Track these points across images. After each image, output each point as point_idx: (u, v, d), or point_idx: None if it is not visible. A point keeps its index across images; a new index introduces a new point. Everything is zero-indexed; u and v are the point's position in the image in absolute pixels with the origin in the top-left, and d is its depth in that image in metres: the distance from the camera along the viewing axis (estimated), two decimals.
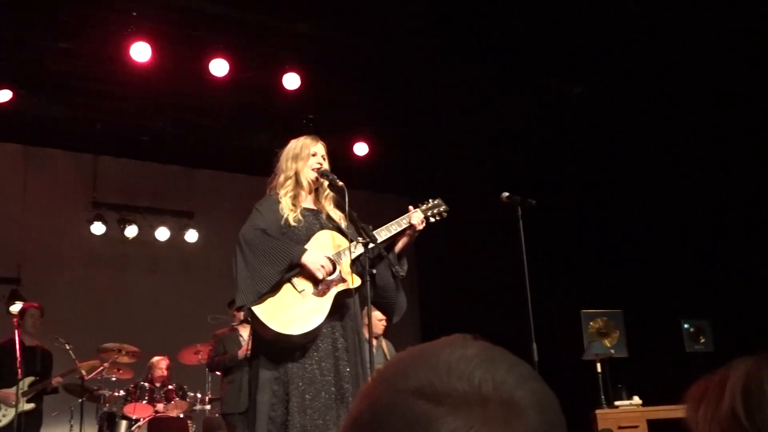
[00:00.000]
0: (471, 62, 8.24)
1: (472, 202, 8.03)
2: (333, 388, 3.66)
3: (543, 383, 0.75)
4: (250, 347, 6.69)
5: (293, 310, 3.68)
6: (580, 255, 8.59)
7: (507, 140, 9.58)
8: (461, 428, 0.68)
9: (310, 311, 3.70)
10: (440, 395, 0.70)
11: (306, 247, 3.81)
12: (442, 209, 4.17)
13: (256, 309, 3.66)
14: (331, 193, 4.07)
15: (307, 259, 3.73)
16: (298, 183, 4.00)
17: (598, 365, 6.81)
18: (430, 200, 4.20)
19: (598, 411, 6.51)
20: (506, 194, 4.70)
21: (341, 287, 3.79)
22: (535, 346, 4.34)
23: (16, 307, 8.71)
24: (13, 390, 7.02)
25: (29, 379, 7.13)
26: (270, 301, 3.69)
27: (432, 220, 4.12)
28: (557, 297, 8.00)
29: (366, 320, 3.89)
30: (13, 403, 6.98)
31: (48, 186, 9.89)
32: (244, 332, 7.20)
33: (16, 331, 7.05)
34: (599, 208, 8.47)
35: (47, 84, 8.49)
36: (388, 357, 6.92)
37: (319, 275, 3.72)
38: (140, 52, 7.58)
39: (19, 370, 6.92)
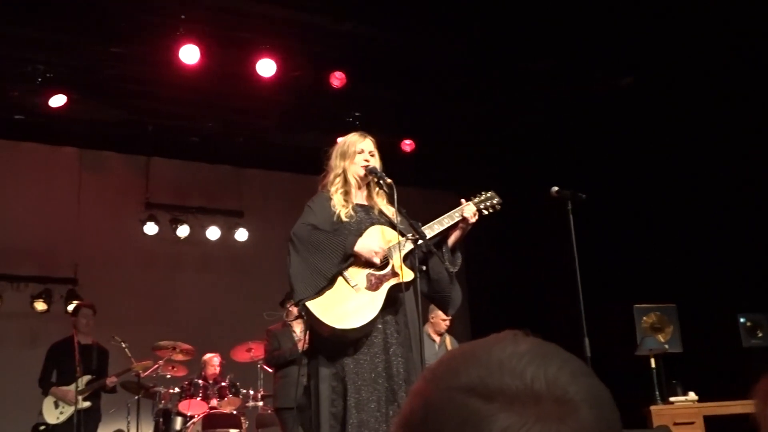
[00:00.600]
0: (519, 55, 8.17)
1: (521, 197, 7.96)
2: (385, 385, 3.67)
3: (596, 379, 0.74)
4: (300, 345, 6.77)
5: (346, 305, 3.70)
6: (633, 248, 8.46)
7: (556, 133, 9.48)
8: (514, 425, 0.68)
9: (363, 305, 3.71)
10: (492, 392, 0.70)
11: (362, 237, 3.83)
12: (495, 202, 4.13)
13: (311, 304, 3.69)
14: (382, 190, 4.08)
15: (360, 247, 3.75)
16: (346, 180, 4.02)
17: (652, 361, 6.71)
18: (483, 193, 4.16)
19: (652, 407, 6.41)
20: (556, 188, 4.65)
21: (394, 281, 3.79)
22: (587, 341, 4.29)
23: (72, 307, 8.95)
24: (71, 388, 7.20)
25: (86, 378, 7.29)
26: (323, 297, 3.72)
27: (485, 212, 4.08)
28: (609, 292, 7.89)
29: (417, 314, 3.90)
30: (72, 401, 7.16)
31: (102, 188, 10.09)
32: (297, 328, 7.26)
33: (74, 330, 7.23)
34: (651, 200, 8.33)
35: (100, 88, 8.66)
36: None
37: (376, 260, 3.74)
38: (189, 54, 7.69)
39: (78, 369, 7.09)
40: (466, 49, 8.15)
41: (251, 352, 8.19)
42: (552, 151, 9.53)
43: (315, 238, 3.77)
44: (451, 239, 4.03)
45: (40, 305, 9.20)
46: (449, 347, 6.83)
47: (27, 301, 9.22)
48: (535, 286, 9.73)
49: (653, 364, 6.69)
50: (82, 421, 7.09)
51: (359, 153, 4.05)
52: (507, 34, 7.79)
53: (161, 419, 7.87)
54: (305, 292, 3.69)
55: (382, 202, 4.06)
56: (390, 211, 4.01)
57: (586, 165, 8.84)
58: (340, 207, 3.93)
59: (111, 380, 7.47)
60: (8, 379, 8.64)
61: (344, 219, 3.89)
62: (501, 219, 4.34)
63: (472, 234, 4.19)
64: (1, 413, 8.43)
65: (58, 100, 8.46)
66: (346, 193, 3.99)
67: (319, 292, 3.71)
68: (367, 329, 3.70)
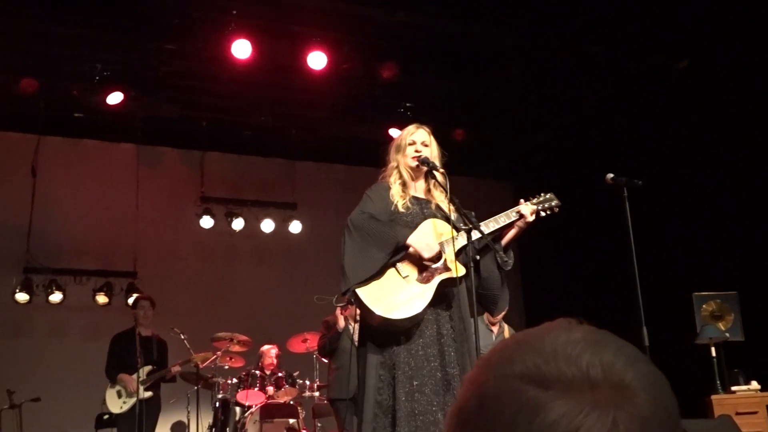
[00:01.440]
0: (570, 41, 8.06)
1: (574, 185, 7.86)
2: (439, 374, 3.67)
3: (652, 365, 0.74)
4: (353, 329, 6.81)
5: (396, 295, 3.72)
6: (691, 235, 8.29)
7: (610, 119, 9.32)
8: (571, 412, 0.67)
9: (412, 297, 3.72)
10: (548, 379, 0.70)
11: (417, 229, 3.84)
12: (554, 204, 4.07)
13: (360, 292, 3.72)
14: (438, 182, 4.07)
15: (413, 240, 3.76)
16: (401, 173, 4.03)
17: (713, 349, 6.58)
18: (542, 194, 4.12)
19: (713, 397, 6.29)
20: (611, 175, 4.58)
21: (445, 275, 3.79)
22: (645, 330, 4.23)
23: (132, 300, 9.16)
24: (134, 377, 7.38)
25: (147, 368, 7.45)
26: (374, 285, 3.74)
27: (543, 214, 4.04)
28: (667, 280, 7.75)
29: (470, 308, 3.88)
30: (134, 390, 7.33)
31: (159, 183, 10.28)
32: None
33: (135, 322, 7.39)
34: (710, 185, 8.14)
35: (155, 85, 8.81)
36: None
37: (426, 254, 3.74)
38: (241, 49, 7.76)
39: (139, 359, 7.25)
40: (518, 36, 8.06)
41: (307, 342, 8.27)
42: (606, 138, 9.38)
43: (370, 226, 3.80)
44: (506, 238, 4.00)
45: (102, 298, 9.43)
46: (507, 336, 6.77)
47: (89, 294, 9.45)
48: (591, 275, 9.60)
49: (714, 353, 6.56)
50: (144, 411, 7.25)
51: (410, 144, 4.05)
52: (558, 18, 7.69)
53: (220, 409, 8.00)
54: (354, 279, 3.72)
55: (440, 197, 4.04)
56: (447, 206, 3.99)
57: (642, 151, 8.69)
58: (398, 198, 3.94)
59: (175, 369, 7.61)
60: (72, 370, 8.89)
61: (401, 210, 3.90)
62: (556, 217, 4.28)
63: (529, 236, 4.14)
64: (65, 403, 8.67)
65: (115, 98, 8.63)
66: (404, 185, 4.00)
67: (370, 280, 3.74)
68: (415, 321, 3.70)
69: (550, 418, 0.67)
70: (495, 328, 6.98)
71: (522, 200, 4.05)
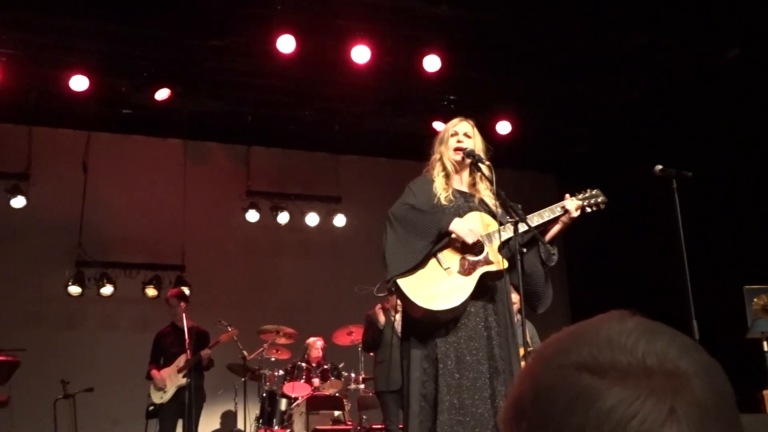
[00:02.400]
0: (616, 30, 7.93)
1: (620, 176, 7.76)
2: (482, 368, 3.65)
3: (706, 353, 0.75)
4: (394, 320, 6.83)
5: (437, 286, 3.71)
6: (742, 228, 8.11)
7: (658, 109, 9.16)
8: (628, 399, 0.68)
9: (454, 289, 3.70)
10: (604, 368, 0.70)
11: (464, 218, 3.82)
12: (600, 200, 4.01)
13: (401, 282, 3.72)
14: (484, 176, 4.04)
15: (455, 227, 3.74)
16: (444, 165, 4.01)
17: (765, 344, 6.45)
18: (588, 190, 4.05)
19: (765, 392, 6.16)
20: (659, 167, 4.50)
21: (488, 268, 3.76)
22: (695, 324, 4.15)
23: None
24: (166, 370, 7.53)
25: (182, 357, 7.55)
26: (415, 276, 3.74)
27: (588, 210, 3.98)
28: (718, 273, 7.60)
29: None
30: (163, 384, 7.48)
31: (206, 177, 10.41)
32: (398, 314, 7.31)
33: (184, 314, 7.49)
34: (761, 177, 7.95)
35: (201, 81, 8.92)
36: (529, 340, 6.85)
37: (469, 240, 3.71)
38: (285, 44, 7.80)
39: (188, 351, 7.34)
40: (563, 26, 7.96)
41: (352, 335, 8.31)
42: (654, 129, 9.22)
43: (412, 216, 3.79)
44: (550, 233, 3.95)
45: (151, 291, 9.58)
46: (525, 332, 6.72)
47: (139, 287, 9.62)
48: (638, 268, 9.46)
49: (766, 348, 6.43)
50: (185, 399, 7.33)
51: (452, 135, 4.03)
52: (604, 8, 7.57)
53: (267, 400, 8.09)
54: (396, 270, 3.72)
55: (485, 191, 4.02)
56: (492, 201, 3.96)
57: (691, 142, 8.52)
58: (440, 190, 3.92)
59: (205, 353, 7.66)
60: (122, 361, 9.05)
61: (443, 202, 3.89)
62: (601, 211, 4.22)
63: (575, 232, 4.09)
64: (117, 394, 8.84)
65: (162, 94, 8.75)
66: (447, 178, 3.99)
67: (411, 271, 3.73)
68: (455, 313, 3.68)
69: (607, 405, 0.68)
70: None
71: (567, 195, 3.99)
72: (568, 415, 0.69)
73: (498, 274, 3.77)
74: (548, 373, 0.73)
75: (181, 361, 7.51)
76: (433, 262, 3.78)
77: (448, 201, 3.89)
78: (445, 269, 3.76)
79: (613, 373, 0.70)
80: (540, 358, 0.76)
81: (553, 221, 3.93)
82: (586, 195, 4.03)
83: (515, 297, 4.04)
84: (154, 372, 7.63)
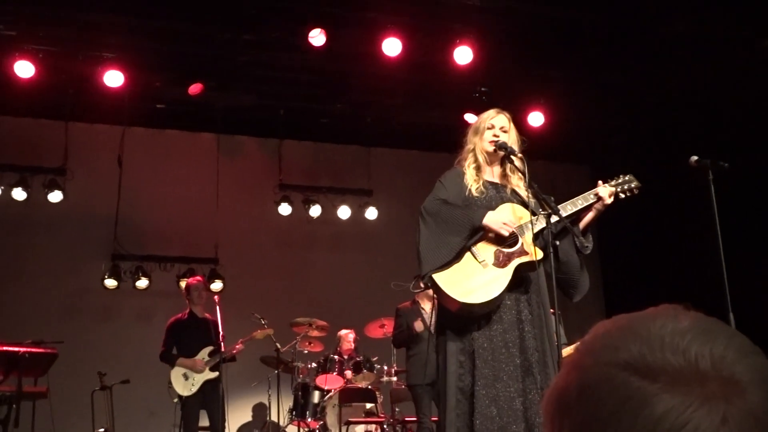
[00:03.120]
0: (652, 18, 7.82)
1: (655, 167, 7.66)
2: (518, 360, 3.64)
3: (764, 357, 0.71)
4: (429, 322, 6.83)
5: (473, 280, 3.70)
6: None
7: (693, 100, 9.02)
8: (678, 407, 0.66)
9: (490, 281, 3.69)
10: (654, 370, 0.68)
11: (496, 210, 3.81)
12: (633, 185, 3.98)
13: (437, 277, 3.71)
14: (515, 167, 4.02)
15: (489, 220, 3.73)
16: (476, 157, 3.99)
17: None
18: (621, 176, 4.03)
19: None
20: (695, 158, 4.43)
21: (523, 259, 3.74)
22: (732, 317, 4.09)
23: (217, 286, 9.35)
24: (197, 357, 7.48)
25: (208, 349, 7.53)
26: (451, 270, 3.73)
27: (622, 196, 3.96)
28: (755, 266, 7.48)
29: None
30: (201, 369, 7.42)
31: (238, 171, 10.47)
32: (426, 305, 7.31)
33: (218, 307, 7.50)
34: None
35: (234, 75, 8.96)
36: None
37: (504, 232, 3.71)
38: (317, 38, 7.82)
39: (222, 344, 7.35)
40: (597, 15, 7.87)
41: (384, 328, 8.32)
42: (689, 119, 9.09)
43: (444, 211, 3.78)
44: (583, 221, 3.93)
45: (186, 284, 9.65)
46: None
47: (173, 280, 9.70)
48: (674, 260, 9.35)
49: None
50: (212, 390, 7.34)
51: (489, 129, 4.00)
52: None
53: (300, 393, 8.13)
54: (430, 265, 3.71)
55: (517, 182, 4.00)
56: (524, 192, 3.94)
57: (728, 132, 8.38)
58: (471, 182, 3.91)
59: (238, 347, 7.63)
60: (157, 354, 9.15)
61: (475, 194, 3.87)
62: (638, 200, 4.17)
63: (608, 219, 4.05)
64: (153, 386, 8.93)
65: (195, 88, 8.82)
66: (478, 169, 3.97)
67: (446, 266, 3.72)
68: (492, 305, 3.67)
69: (657, 412, 0.66)
70: None
71: (600, 182, 3.97)
72: (616, 419, 0.67)
73: (532, 265, 3.75)
74: (596, 369, 0.71)
75: (206, 353, 7.49)
76: (468, 255, 3.77)
77: (479, 193, 3.88)
78: (480, 262, 3.75)
79: (664, 377, 0.68)
80: (588, 351, 0.74)
81: (587, 209, 3.90)
82: (619, 181, 4.00)
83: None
84: (185, 360, 7.44)
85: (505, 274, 3.71)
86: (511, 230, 3.73)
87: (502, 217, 3.75)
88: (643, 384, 0.68)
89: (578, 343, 0.79)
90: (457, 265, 3.74)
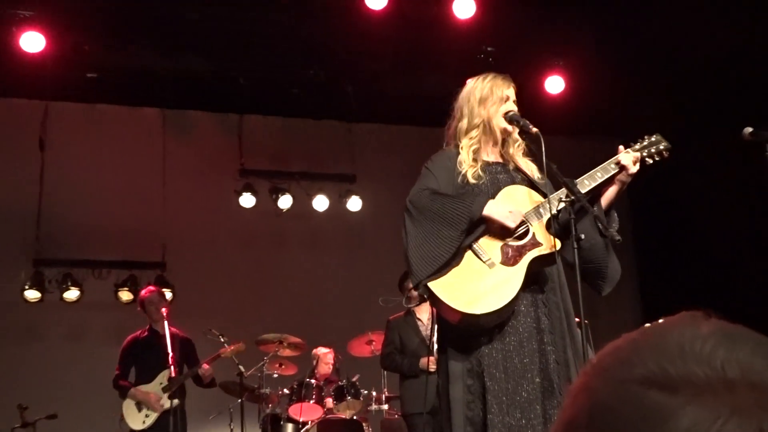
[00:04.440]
0: None
1: (699, 143, 7.71)
2: (537, 379, 3.63)
3: None
4: (427, 336, 6.84)
5: (479, 284, 3.67)
6: None
7: (746, 61, 9.08)
8: (707, 419, 0.67)
9: (499, 284, 3.67)
10: (676, 382, 0.70)
11: (495, 200, 3.78)
12: (662, 147, 3.98)
13: (434, 285, 3.68)
14: (523, 142, 4.03)
15: (490, 210, 3.70)
16: (486, 134, 3.99)
17: None
18: (646, 137, 4.02)
19: None
20: (749, 129, 4.46)
21: (537, 252, 3.73)
22: None
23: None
24: (151, 387, 7.51)
25: (166, 373, 7.55)
26: (450, 275, 3.71)
27: (649, 161, 3.95)
28: None
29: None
30: (155, 405, 7.46)
31: (189, 154, 10.45)
32: (423, 315, 7.32)
33: (166, 322, 7.48)
34: None
35: (183, 36, 8.92)
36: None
37: (510, 223, 3.68)
38: None
39: (173, 367, 7.34)
40: None
41: (372, 345, 8.31)
42: (740, 86, 9.14)
43: (435, 204, 3.76)
44: (606, 197, 3.91)
45: (126, 295, 9.64)
46: None
47: (110, 290, 9.68)
48: (720, 251, 9.42)
49: None
50: (170, 423, 7.35)
51: (505, 101, 4.00)
52: None
53: (269, 426, 8.12)
54: (424, 272, 3.68)
55: (520, 157, 4.01)
56: (529, 168, 3.95)
57: None
58: (466, 166, 3.89)
59: (205, 367, 7.65)
60: (93, 381, 9.12)
61: (471, 180, 3.85)
62: (674, 171, 4.21)
63: (637, 190, 4.06)
64: (86, 420, 8.93)
65: (133, 53, 8.77)
66: (477, 150, 3.95)
67: (444, 270, 3.70)
68: (504, 313, 3.65)
69: (682, 427, 0.68)
70: None
71: (621, 147, 3.96)
72: None
73: (550, 258, 3.73)
74: (607, 389, 0.73)
75: (165, 377, 7.52)
76: (469, 255, 3.75)
77: (476, 178, 3.86)
78: (485, 262, 3.73)
79: (687, 389, 0.69)
80: (597, 372, 0.76)
81: (608, 182, 3.89)
82: (644, 143, 4.00)
83: None
84: (138, 390, 7.52)
85: (518, 274, 3.69)
86: (519, 220, 3.71)
87: (507, 205, 3.73)
88: (664, 398, 0.69)
89: (585, 365, 0.81)
90: (457, 269, 3.72)
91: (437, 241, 3.71)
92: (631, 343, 0.76)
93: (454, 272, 3.72)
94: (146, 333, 7.75)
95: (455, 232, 3.70)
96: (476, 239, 3.77)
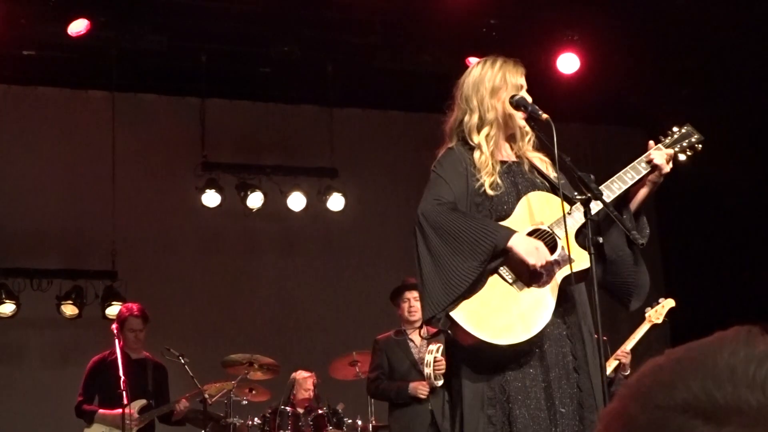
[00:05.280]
0: None
1: (735, 129, 7.72)
2: (564, 409, 3.65)
3: None
4: (419, 358, 6.82)
5: (509, 311, 3.70)
6: None
7: None
8: None
9: (530, 309, 3.69)
10: (724, 411, 0.70)
11: (514, 214, 3.80)
12: (694, 139, 4.00)
13: (458, 314, 3.67)
14: (532, 134, 4.00)
15: (516, 243, 3.67)
16: (500, 130, 3.97)
17: None
18: (675, 129, 4.03)
19: None
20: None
21: (568, 270, 3.74)
22: None
23: (114, 310, 9.29)
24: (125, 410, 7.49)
25: (139, 403, 7.54)
26: (473, 302, 3.71)
27: (682, 157, 3.98)
28: None
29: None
30: (128, 427, 7.44)
31: (144, 144, 10.43)
32: (415, 336, 7.31)
33: (117, 342, 7.48)
34: None
35: (134, 7, 8.90)
36: None
37: (533, 261, 3.64)
38: None
39: (124, 393, 7.33)
40: None
41: (357, 366, 8.31)
42: None
43: (453, 224, 3.75)
44: (635, 201, 3.93)
45: (70, 309, 9.59)
46: None
47: (52, 303, 9.63)
48: (759, 257, 9.46)
49: None
50: None
51: (519, 88, 3.97)
52: None
53: None
54: (443, 301, 3.67)
55: (532, 152, 4.00)
56: (544, 164, 3.95)
57: None
58: (485, 175, 3.86)
59: (183, 404, 7.69)
60: (33, 407, 9.10)
61: (490, 192, 3.83)
62: (707, 165, 4.19)
63: (665, 190, 4.05)
64: None
65: (77, 27, 8.74)
66: (494, 152, 3.93)
67: (466, 295, 3.69)
68: (537, 339, 3.67)
69: None
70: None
71: (651, 143, 3.96)
72: None
73: (585, 273, 3.75)
74: (645, 416, 0.73)
75: (136, 406, 7.50)
76: (494, 278, 3.76)
77: (494, 189, 3.84)
78: (511, 284, 3.75)
79: (737, 419, 0.69)
80: (634, 394, 0.76)
81: (638, 183, 3.90)
82: (675, 137, 4.01)
83: None
84: (107, 413, 7.48)
85: (549, 295, 3.72)
86: (542, 262, 3.66)
87: (533, 242, 3.70)
88: (710, 429, 0.69)
89: (621, 386, 0.79)
90: (481, 293, 3.73)
91: (454, 270, 3.70)
92: (675, 363, 0.76)
93: (478, 297, 3.73)
94: (113, 357, 7.69)
95: (475, 262, 3.69)
96: (501, 262, 3.76)
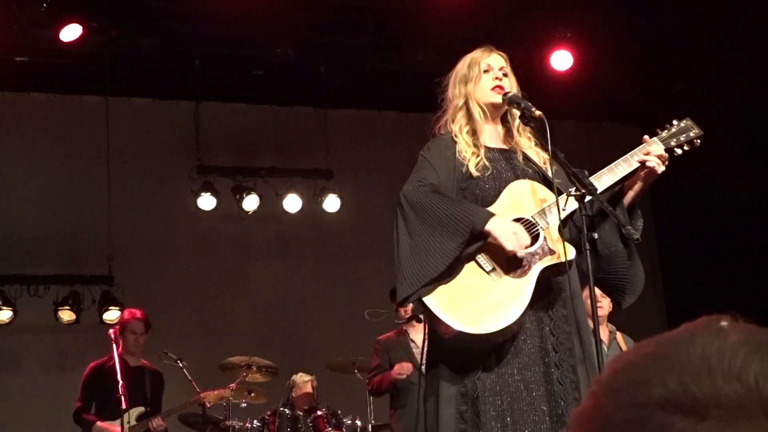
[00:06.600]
0: None
1: (735, 124, 7.72)
2: (544, 407, 3.62)
3: None
4: (421, 360, 6.83)
5: (482, 299, 3.67)
6: None
7: None
8: None
9: (505, 299, 3.66)
10: (702, 404, 0.69)
11: (498, 202, 3.78)
12: (692, 134, 3.97)
13: (430, 300, 3.66)
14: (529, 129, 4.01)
15: (494, 227, 3.66)
16: (470, 114, 3.96)
17: None
18: (675, 122, 4.01)
19: None
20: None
21: (548, 261, 3.72)
22: None
23: (112, 315, 9.28)
24: (117, 424, 7.47)
25: (137, 411, 7.53)
26: (449, 287, 3.69)
27: (679, 151, 3.94)
28: None
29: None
30: None
31: (138, 149, 10.41)
32: (417, 336, 7.30)
33: (115, 347, 7.45)
34: None
35: (128, 12, 8.88)
36: None
37: (509, 247, 3.64)
38: None
39: (123, 398, 7.32)
40: None
41: (356, 366, 8.30)
42: None
43: (432, 204, 3.74)
44: (629, 194, 3.90)
45: (67, 315, 9.57)
46: (623, 347, 6.67)
47: (49, 309, 9.61)
48: (755, 254, 9.47)
49: None
50: None
51: (485, 72, 3.99)
52: None
53: None
54: (417, 282, 3.66)
55: (527, 143, 4.00)
56: (541, 157, 3.95)
57: None
58: (469, 155, 3.86)
59: (156, 422, 7.61)
60: (31, 413, 9.08)
61: (475, 173, 3.83)
62: (705, 162, 4.20)
63: (662, 185, 4.05)
64: None
65: (71, 32, 8.73)
66: (474, 134, 3.92)
67: (441, 281, 3.68)
68: (509, 333, 3.64)
69: None
70: (605, 336, 6.90)
71: (647, 137, 3.95)
72: None
73: (561, 268, 3.72)
74: (621, 414, 0.72)
75: (134, 416, 7.48)
76: (470, 265, 3.74)
77: (480, 170, 3.83)
78: (488, 272, 3.73)
79: (716, 412, 0.68)
80: (607, 392, 0.75)
81: (631, 176, 3.88)
82: (673, 131, 3.98)
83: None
84: (105, 426, 7.45)
85: (526, 286, 3.68)
86: (519, 248, 3.65)
87: (511, 226, 3.68)
88: (690, 424, 0.68)
89: (593, 384, 0.79)
90: (456, 280, 3.70)
91: (431, 250, 3.69)
92: (647, 358, 0.75)
93: (454, 284, 3.71)
94: (113, 362, 7.65)
95: (453, 243, 3.67)
96: (479, 248, 3.74)
